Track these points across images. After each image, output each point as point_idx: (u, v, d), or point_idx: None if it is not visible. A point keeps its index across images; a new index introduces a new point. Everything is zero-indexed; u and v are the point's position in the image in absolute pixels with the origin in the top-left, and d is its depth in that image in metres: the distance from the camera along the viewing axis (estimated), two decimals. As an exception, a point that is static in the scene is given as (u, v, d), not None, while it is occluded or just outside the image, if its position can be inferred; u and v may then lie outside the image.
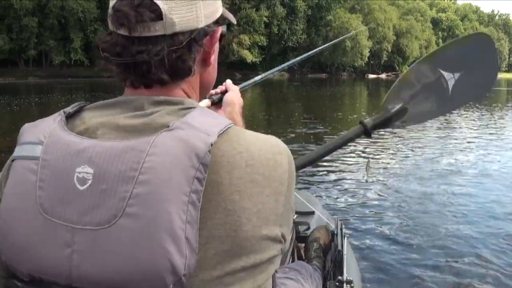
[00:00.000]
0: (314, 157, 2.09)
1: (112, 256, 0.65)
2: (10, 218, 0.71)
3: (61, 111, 0.79)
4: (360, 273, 2.48)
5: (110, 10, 0.76)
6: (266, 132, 0.83)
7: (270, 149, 0.78)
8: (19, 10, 38.92)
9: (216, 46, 0.89)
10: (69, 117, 0.78)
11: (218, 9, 0.87)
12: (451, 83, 1.96)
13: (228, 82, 1.37)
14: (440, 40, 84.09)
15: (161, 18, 0.74)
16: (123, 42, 0.75)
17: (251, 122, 12.38)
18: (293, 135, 10.07)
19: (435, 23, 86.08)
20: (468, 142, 9.77)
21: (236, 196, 0.71)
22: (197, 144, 0.68)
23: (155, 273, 0.64)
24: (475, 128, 11.99)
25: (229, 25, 0.98)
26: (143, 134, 0.70)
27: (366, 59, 61.91)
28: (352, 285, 1.85)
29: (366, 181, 6.09)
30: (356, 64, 62.08)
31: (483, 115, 15.25)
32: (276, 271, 0.92)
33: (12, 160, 0.75)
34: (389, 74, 64.78)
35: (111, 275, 0.65)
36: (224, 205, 0.70)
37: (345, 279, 1.85)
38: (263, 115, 14.68)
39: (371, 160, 7.04)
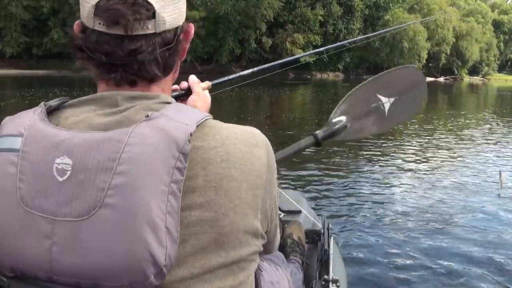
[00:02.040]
0: None
1: (91, 248, 0.63)
2: None
3: (42, 103, 0.75)
4: (346, 272, 2.42)
5: (91, 8, 0.72)
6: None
7: (247, 142, 0.76)
8: (74, 5, 38.82)
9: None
10: (51, 112, 0.75)
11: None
12: (387, 106, 2.24)
13: (191, 80, 1.08)
14: (502, 44, 79.58)
15: (154, 17, 0.74)
16: (112, 41, 0.73)
17: (302, 122, 12.85)
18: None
19: (497, 25, 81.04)
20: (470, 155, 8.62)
21: (212, 192, 0.70)
22: (176, 134, 0.67)
23: (135, 265, 0.63)
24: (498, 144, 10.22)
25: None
26: (120, 127, 0.69)
27: (424, 61, 58.40)
28: (338, 284, 1.83)
29: (499, 195, 5.63)
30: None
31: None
32: (260, 269, 0.86)
33: None
34: (447, 77, 61.25)
35: (91, 267, 0.63)
36: (199, 202, 0.69)
37: (331, 278, 1.83)
38: (311, 116, 14.92)
39: (502, 172, 6.19)
